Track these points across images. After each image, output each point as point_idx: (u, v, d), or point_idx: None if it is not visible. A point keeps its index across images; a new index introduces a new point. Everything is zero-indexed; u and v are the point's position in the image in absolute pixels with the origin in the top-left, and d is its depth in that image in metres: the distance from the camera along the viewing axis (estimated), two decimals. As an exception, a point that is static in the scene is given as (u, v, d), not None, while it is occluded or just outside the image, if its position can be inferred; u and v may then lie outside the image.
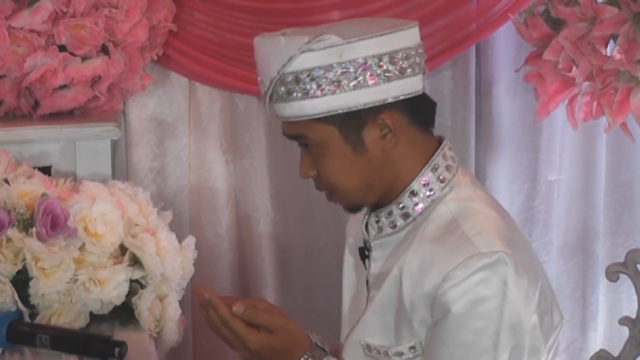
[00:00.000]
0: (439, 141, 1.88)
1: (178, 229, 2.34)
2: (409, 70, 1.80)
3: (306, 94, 1.78)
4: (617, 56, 2.38)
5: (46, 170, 2.44)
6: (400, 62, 1.79)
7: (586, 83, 2.53)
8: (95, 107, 2.64)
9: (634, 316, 2.78)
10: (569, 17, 2.46)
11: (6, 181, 2.20)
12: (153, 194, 2.37)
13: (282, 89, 1.80)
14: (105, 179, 2.42)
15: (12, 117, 2.61)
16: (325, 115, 1.79)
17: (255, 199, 3.08)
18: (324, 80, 1.77)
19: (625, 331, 2.81)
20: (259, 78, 1.84)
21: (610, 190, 3.26)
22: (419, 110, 1.85)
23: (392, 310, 1.84)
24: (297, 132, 1.83)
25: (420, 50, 1.84)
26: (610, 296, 3.29)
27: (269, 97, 1.83)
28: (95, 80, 2.58)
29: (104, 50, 2.57)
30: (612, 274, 2.77)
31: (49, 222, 2.10)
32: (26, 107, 2.58)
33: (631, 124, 2.57)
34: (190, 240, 2.30)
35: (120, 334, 2.09)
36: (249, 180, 3.07)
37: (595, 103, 2.52)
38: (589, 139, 3.19)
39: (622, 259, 2.78)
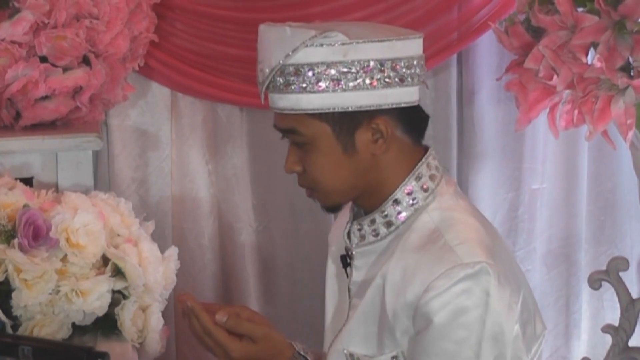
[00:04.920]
0: (425, 151, 1.88)
1: (161, 240, 2.33)
2: (408, 80, 1.80)
3: (304, 88, 1.77)
4: (598, 64, 2.39)
5: (28, 182, 2.43)
6: (402, 70, 1.79)
7: (567, 91, 2.53)
8: (77, 117, 2.63)
9: (616, 324, 2.79)
10: (550, 25, 2.47)
11: (-12, 192, 2.20)
12: (135, 204, 2.37)
13: (281, 79, 1.78)
14: (87, 190, 2.41)
15: (-6, 128, 2.60)
16: (320, 111, 1.79)
17: (238, 209, 3.08)
18: (324, 76, 1.76)
19: (608, 339, 2.82)
20: (259, 66, 1.82)
21: (592, 199, 3.27)
22: (412, 120, 1.85)
23: (375, 319, 1.83)
24: (289, 125, 1.82)
25: (422, 62, 1.84)
26: (593, 304, 3.29)
27: (266, 87, 1.81)
28: (76, 91, 2.57)
29: (85, 61, 2.56)
30: (595, 282, 2.77)
31: (30, 233, 2.09)
32: (8, 118, 2.57)
33: (612, 132, 2.57)
34: (172, 251, 2.30)
35: (102, 345, 2.09)
36: (232, 190, 3.07)
37: (576, 111, 2.52)
38: (571, 147, 3.20)
39: (604, 267, 2.79)
